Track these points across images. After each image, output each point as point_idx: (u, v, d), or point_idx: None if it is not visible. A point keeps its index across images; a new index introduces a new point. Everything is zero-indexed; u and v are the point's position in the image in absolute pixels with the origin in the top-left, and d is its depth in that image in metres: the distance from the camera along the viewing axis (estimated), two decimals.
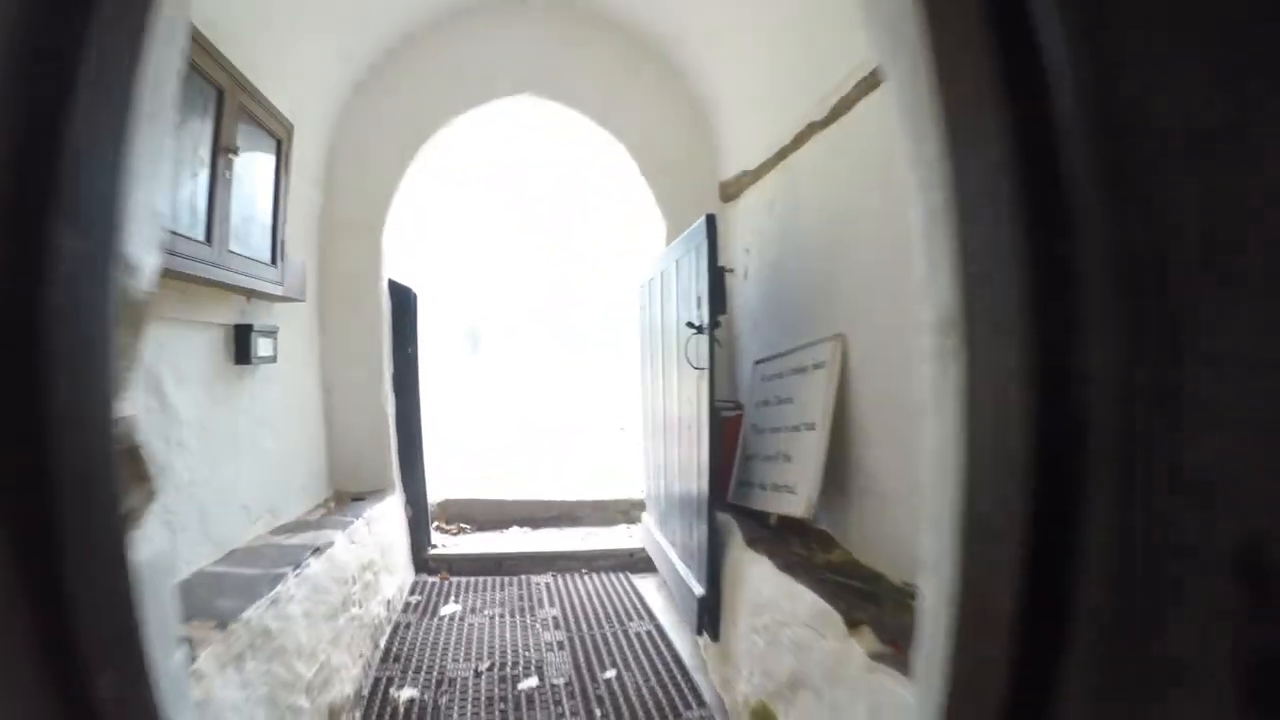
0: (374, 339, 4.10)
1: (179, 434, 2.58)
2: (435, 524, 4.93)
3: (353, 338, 4.07)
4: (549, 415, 11.19)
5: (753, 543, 2.72)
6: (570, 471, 6.92)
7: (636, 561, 4.43)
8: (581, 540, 4.69)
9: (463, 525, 4.94)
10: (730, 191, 4.05)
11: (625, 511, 5.06)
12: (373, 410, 4.10)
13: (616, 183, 5.56)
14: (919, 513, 2.31)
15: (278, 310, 3.37)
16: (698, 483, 2.83)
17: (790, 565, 2.51)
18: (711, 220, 2.60)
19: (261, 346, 3.04)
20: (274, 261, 3.02)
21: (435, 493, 5.15)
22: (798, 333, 2.95)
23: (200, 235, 2.46)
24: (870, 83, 2.54)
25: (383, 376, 4.11)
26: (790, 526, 2.83)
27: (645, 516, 4.39)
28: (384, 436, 4.14)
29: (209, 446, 2.79)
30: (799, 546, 2.76)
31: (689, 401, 2.94)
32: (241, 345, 2.96)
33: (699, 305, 2.66)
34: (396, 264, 4.39)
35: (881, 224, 2.41)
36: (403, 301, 4.22)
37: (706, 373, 2.59)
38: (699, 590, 2.90)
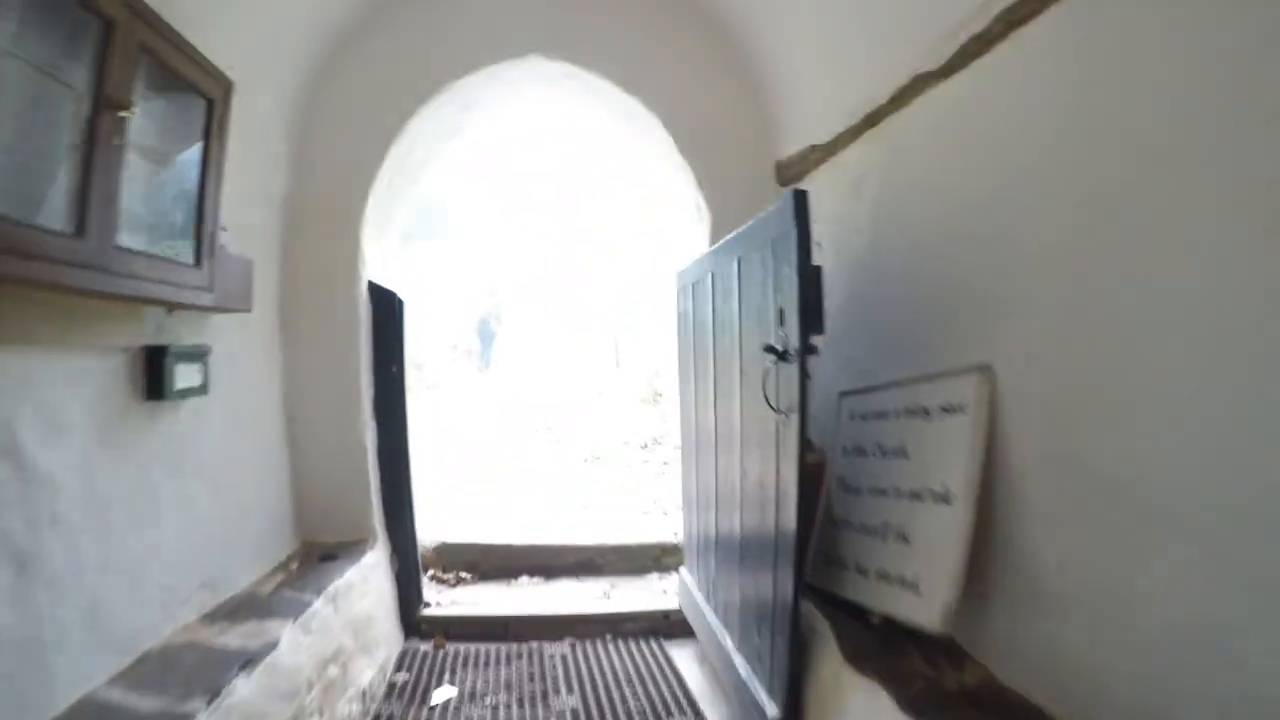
0: (349, 355, 3.37)
1: (52, 506, 1.87)
2: (430, 573, 4.21)
3: (323, 354, 3.34)
4: (563, 406, 10.48)
5: (857, 659, 1.96)
6: (585, 466, 6.18)
7: (672, 625, 3.68)
8: (604, 597, 3.94)
9: (462, 574, 4.21)
10: (792, 172, 3.27)
11: (656, 558, 4.31)
12: (348, 443, 3.38)
13: (639, 161, 4.82)
14: (1117, 629, 1.54)
15: (215, 325, 2.65)
16: (774, 573, 2.08)
17: (920, 703, 1.75)
18: (801, 200, 1.83)
19: (182, 375, 2.32)
20: (198, 260, 2.29)
21: (432, 534, 4.43)
22: (908, 357, 2.18)
23: (66, 225, 1.73)
24: (1022, 13, 1.78)
25: (360, 401, 3.38)
26: (898, 626, 2.06)
27: (683, 572, 3.64)
28: (362, 475, 3.41)
29: (106, 516, 2.08)
30: (919, 661, 2.00)
31: (760, 450, 2.18)
32: (154, 375, 2.23)
33: (780, 322, 1.90)
34: (379, 262, 3.66)
35: (1061, 208, 1.64)
36: (385, 308, 3.49)
37: (795, 419, 1.82)
38: (772, 711, 2.15)
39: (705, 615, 2.98)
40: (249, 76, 2.87)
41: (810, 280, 1.80)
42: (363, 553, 3.27)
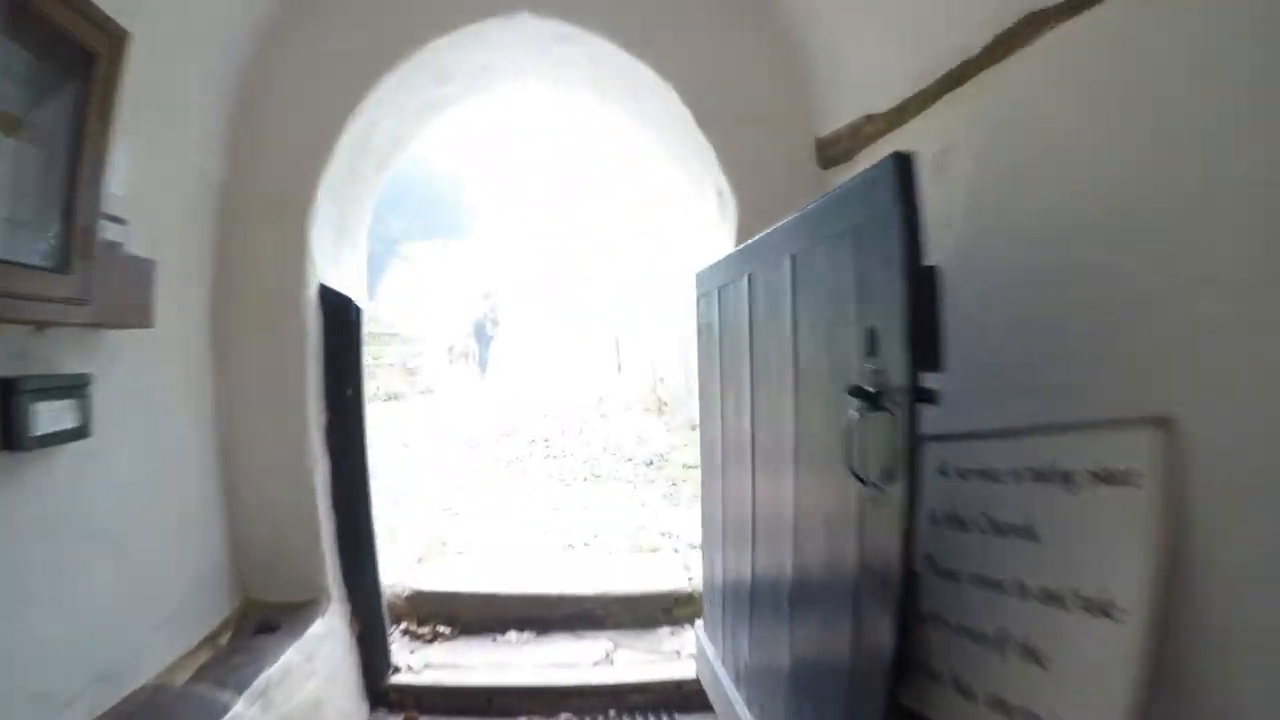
0: (294, 376, 2.84)
1: None
2: (402, 626, 3.69)
3: (263, 375, 2.82)
4: (561, 414, 9.95)
5: None
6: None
7: (687, 696, 3.15)
8: (606, 660, 3.42)
9: (440, 628, 3.68)
10: (839, 150, 2.73)
11: (666, 609, 3.77)
12: (293, 485, 2.85)
13: (644, 150, 4.31)
14: None
15: (110, 346, 2.13)
16: (849, 698, 1.53)
17: None
18: (906, 169, 1.27)
19: (45, 415, 1.79)
20: (66, 264, 1.76)
21: (403, 578, 3.91)
22: (1025, 396, 1.65)
23: None
24: None
25: (307, 433, 2.84)
26: None
27: (701, 635, 3.10)
28: (311, 523, 2.88)
29: None
30: None
31: (830, 525, 1.64)
32: (6, 417, 1.70)
33: (871, 349, 1.33)
34: (335, 262, 3.12)
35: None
36: (340, 318, 2.95)
37: (897, 498, 1.26)
38: None
39: (734, 706, 2.44)
40: (176, 39, 2.39)
41: (924, 288, 1.26)
42: (311, 620, 2.74)
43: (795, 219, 1.76)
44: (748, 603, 2.32)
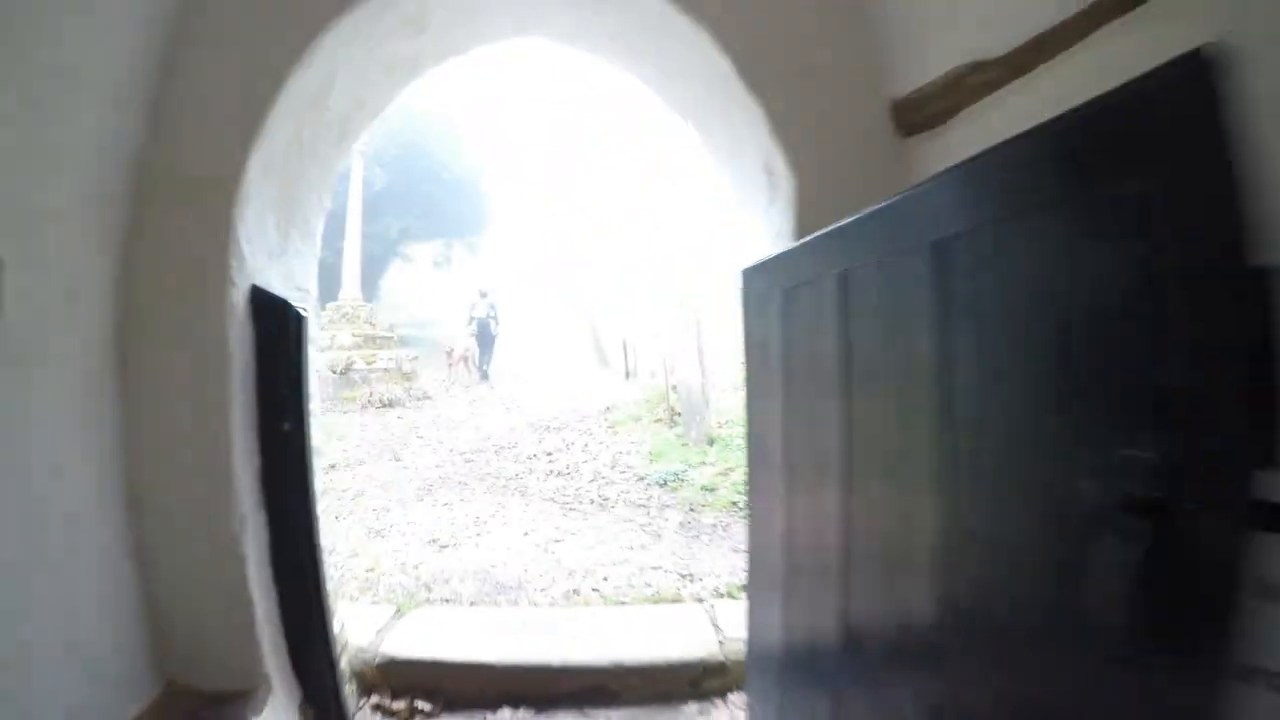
0: (212, 407, 2.28)
1: None
2: (374, 700, 3.15)
3: (175, 407, 2.27)
4: (565, 426, 9.42)
5: None
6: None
7: None
8: None
9: (418, 704, 3.14)
10: (927, 113, 2.17)
11: (693, 681, 3.22)
12: (217, 549, 2.30)
13: (664, 117, 3.75)
14: None
15: None
16: None
17: None
18: (1207, 78, 0.71)
19: None
20: None
21: (375, 641, 3.38)
22: None
23: None
24: None
25: (230, 482, 2.28)
26: None
27: None
28: (241, 597, 2.33)
29: None
30: None
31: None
32: None
33: (1155, 419, 0.76)
34: (279, 260, 2.58)
35: None
36: (275, 329, 2.39)
37: (1205, 697, 0.70)
38: None
39: None
40: None
41: (1253, 310, 0.69)
42: (249, 716, 2.21)
43: (936, 182, 1.17)
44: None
